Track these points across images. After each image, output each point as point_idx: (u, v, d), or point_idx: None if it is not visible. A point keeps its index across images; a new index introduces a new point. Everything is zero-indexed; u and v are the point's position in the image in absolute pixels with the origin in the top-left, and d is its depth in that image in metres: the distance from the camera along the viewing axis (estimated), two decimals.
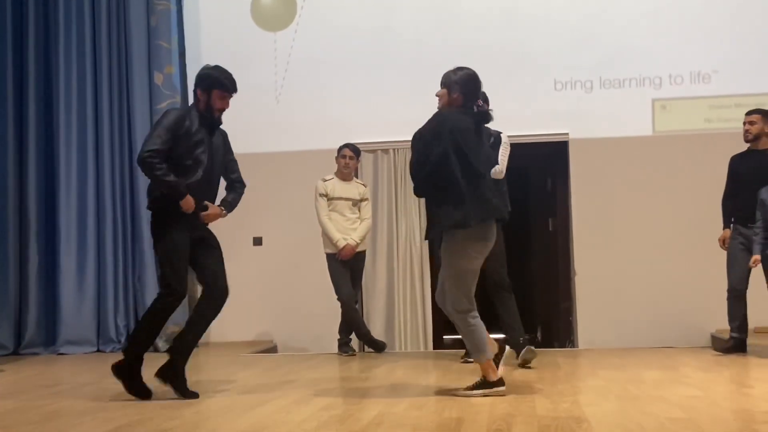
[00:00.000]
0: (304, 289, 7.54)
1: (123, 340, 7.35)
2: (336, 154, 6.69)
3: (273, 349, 7.33)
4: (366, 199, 6.72)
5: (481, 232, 4.21)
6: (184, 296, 4.40)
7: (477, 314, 4.28)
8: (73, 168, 7.50)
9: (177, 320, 7.41)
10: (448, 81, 4.34)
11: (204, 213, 4.51)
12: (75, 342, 7.31)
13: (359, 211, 6.65)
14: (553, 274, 8.77)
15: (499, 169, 5.70)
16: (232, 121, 8.44)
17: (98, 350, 7.36)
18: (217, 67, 4.58)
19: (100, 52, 7.59)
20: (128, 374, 4.43)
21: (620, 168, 7.08)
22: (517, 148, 7.77)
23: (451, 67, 4.40)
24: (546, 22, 7.65)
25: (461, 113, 4.29)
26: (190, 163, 4.44)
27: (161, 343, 7.18)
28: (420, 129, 4.28)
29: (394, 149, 7.76)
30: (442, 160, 4.13)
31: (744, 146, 6.07)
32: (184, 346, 4.48)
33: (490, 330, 4.40)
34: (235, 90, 4.55)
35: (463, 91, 4.31)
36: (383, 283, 7.68)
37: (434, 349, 7.47)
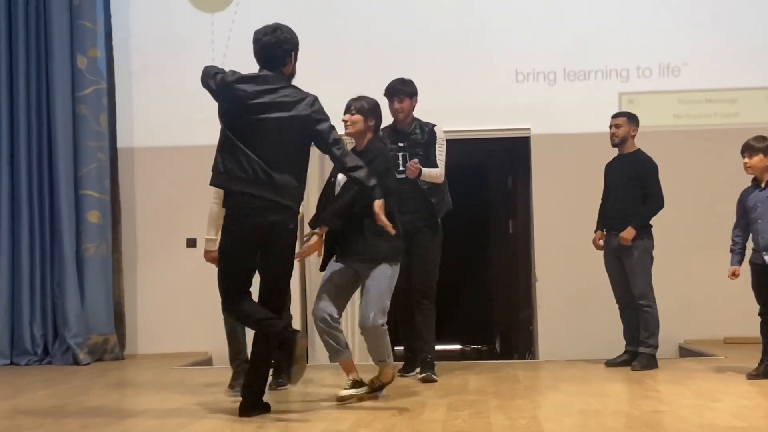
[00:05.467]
0: None
1: (39, 351, 7.23)
2: None
3: (208, 362, 7.28)
4: None
5: None
6: None
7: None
8: None
9: (101, 330, 7.37)
10: (362, 109, 4.91)
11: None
12: None
13: None
14: (512, 280, 8.88)
15: (438, 173, 5.61)
16: (164, 110, 8.32)
17: (11, 363, 7.21)
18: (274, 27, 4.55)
19: (16, 33, 7.39)
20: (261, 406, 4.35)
21: (585, 166, 7.18)
22: (475, 144, 7.90)
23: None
24: (506, 7, 7.70)
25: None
26: None
27: (82, 355, 7.09)
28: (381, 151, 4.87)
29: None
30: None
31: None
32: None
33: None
34: None
35: (376, 119, 4.95)
36: None
37: None
